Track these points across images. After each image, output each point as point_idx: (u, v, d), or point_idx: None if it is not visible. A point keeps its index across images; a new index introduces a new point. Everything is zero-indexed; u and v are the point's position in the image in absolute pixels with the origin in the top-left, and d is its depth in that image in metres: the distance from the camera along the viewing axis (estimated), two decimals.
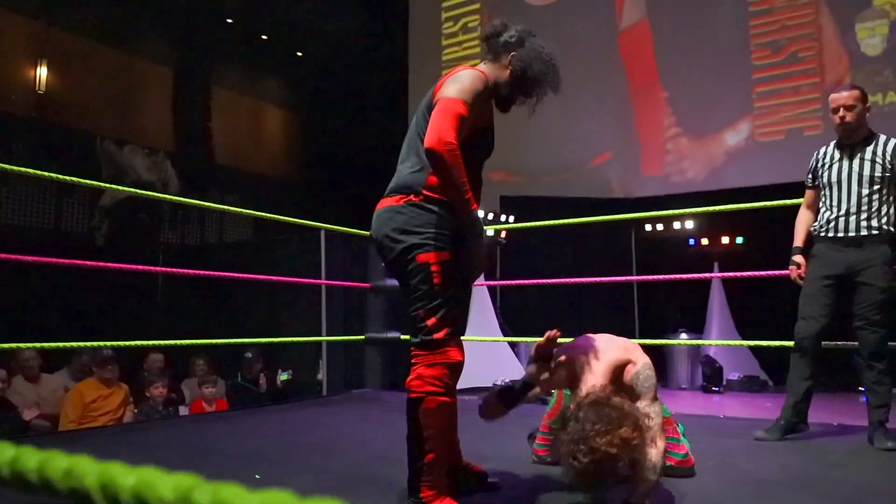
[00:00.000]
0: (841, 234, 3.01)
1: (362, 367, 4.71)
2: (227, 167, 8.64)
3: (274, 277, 4.74)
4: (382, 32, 9.23)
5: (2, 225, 6.47)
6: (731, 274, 4.92)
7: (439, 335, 1.72)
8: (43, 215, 7.03)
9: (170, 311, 6.74)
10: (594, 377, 1.88)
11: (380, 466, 2.39)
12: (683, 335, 6.67)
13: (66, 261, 3.37)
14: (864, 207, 2.97)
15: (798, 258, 3.20)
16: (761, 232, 6.28)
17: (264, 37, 8.94)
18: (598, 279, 4.65)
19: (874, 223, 2.95)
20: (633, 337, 7.21)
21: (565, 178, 8.17)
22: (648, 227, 7.56)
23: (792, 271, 3.19)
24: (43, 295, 5.81)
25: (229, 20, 8.60)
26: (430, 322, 1.72)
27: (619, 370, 1.94)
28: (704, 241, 7.28)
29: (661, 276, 4.60)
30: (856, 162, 3.01)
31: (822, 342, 3.07)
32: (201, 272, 4.15)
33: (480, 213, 6.19)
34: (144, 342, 3.47)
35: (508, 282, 5.11)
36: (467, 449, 2.14)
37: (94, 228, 7.50)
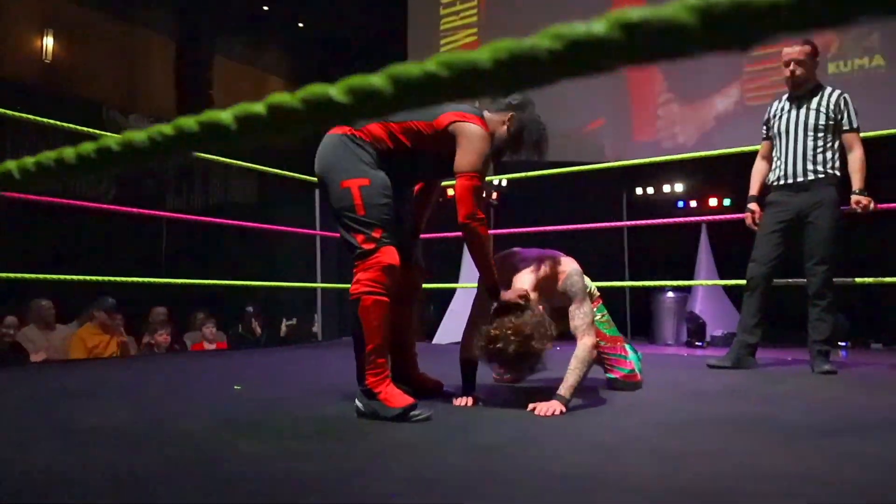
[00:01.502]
0: (790, 181, 3.22)
1: None
2: None
3: (272, 227, 5.00)
4: (382, 2, 9.36)
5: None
6: (712, 218, 5.11)
7: (368, 246, 2.00)
8: (49, 180, 7.27)
9: (173, 271, 7.01)
10: (520, 283, 2.13)
11: (347, 384, 2.62)
12: (670, 294, 6.87)
13: (76, 203, 3.56)
14: (811, 154, 3.18)
15: (752, 206, 3.42)
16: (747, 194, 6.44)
17: (265, 7, 9.10)
18: (590, 225, 4.90)
19: (819, 168, 3.16)
20: (624, 295, 7.43)
21: (559, 144, 8.26)
22: (639, 191, 7.74)
23: (747, 218, 3.41)
24: (53, 256, 6.08)
25: None
26: (360, 238, 2.01)
27: (550, 278, 2.17)
28: (693, 204, 7.45)
29: (650, 221, 4.85)
30: (802, 112, 3.23)
31: (773, 281, 3.29)
32: (202, 218, 4.39)
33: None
34: (146, 279, 3.71)
35: (500, 230, 5.31)
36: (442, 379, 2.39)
37: (102, 194, 7.76)
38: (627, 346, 2.83)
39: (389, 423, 1.86)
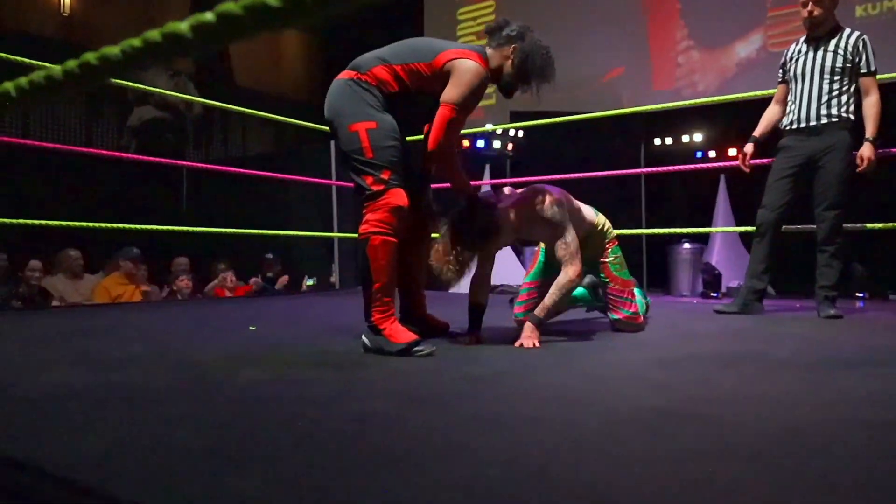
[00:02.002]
0: (803, 125, 3.18)
1: None
2: (247, 89, 8.88)
3: (288, 176, 5.07)
4: None
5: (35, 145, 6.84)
6: (729, 164, 5.06)
7: (377, 187, 2.05)
8: (74, 136, 7.40)
9: (193, 222, 7.15)
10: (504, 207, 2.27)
11: (358, 326, 2.71)
12: (686, 245, 6.85)
13: (99, 151, 3.65)
14: (825, 97, 3.13)
15: (748, 147, 3.40)
16: (770, 145, 6.35)
17: None
18: (606, 173, 4.88)
19: (834, 111, 3.11)
20: (640, 246, 7.42)
21: (577, 95, 8.21)
22: (658, 142, 7.65)
23: (739, 158, 3.41)
24: (78, 208, 6.24)
25: None
26: (369, 180, 2.06)
27: (531, 209, 2.28)
28: (712, 154, 7.36)
29: (668, 168, 4.84)
30: (819, 54, 3.16)
31: (782, 227, 3.29)
32: (220, 167, 4.47)
33: (489, 127, 6.33)
34: (168, 227, 3.82)
35: (517, 179, 5.32)
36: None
37: (123, 148, 7.87)
38: (637, 291, 2.88)
39: (392, 357, 1.94)
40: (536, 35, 2.30)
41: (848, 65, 3.10)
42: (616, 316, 2.58)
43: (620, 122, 7.16)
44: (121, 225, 3.59)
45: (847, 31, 3.15)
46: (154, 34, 0.51)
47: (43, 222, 3.34)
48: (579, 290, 2.79)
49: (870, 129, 3.06)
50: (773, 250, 3.28)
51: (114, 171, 7.01)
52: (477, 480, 0.87)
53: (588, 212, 2.57)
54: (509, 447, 1.03)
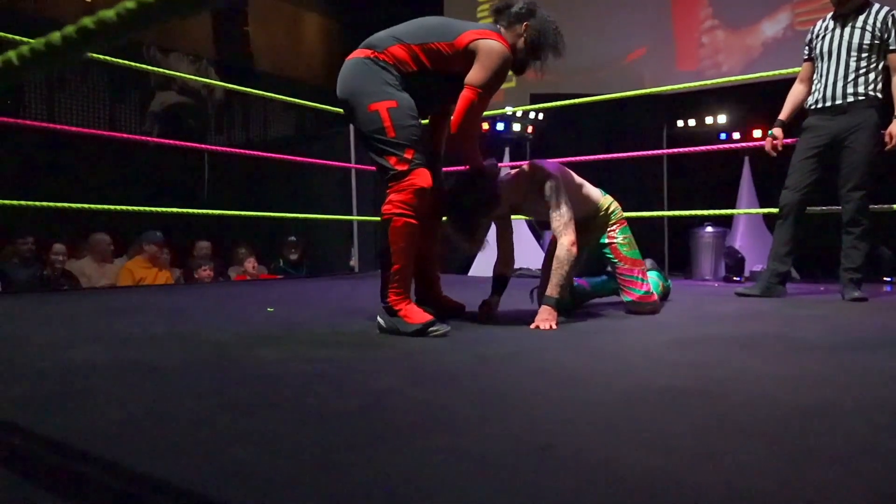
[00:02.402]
0: (829, 104, 3.10)
1: None
2: (267, 74, 8.90)
3: (308, 160, 5.08)
4: None
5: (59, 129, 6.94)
6: (753, 144, 4.98)
7: (401, 167, 2.03)
8: (98, 120, 7.48)
9: (215, 206, 7.22)
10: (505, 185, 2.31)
11: (375, 308, 2.71)
12: (709, 228, 6.76)
13: (123, 135, 3.68)
14: (852, 75, 3.04)
15: (776, 130, 3.33)
16: (796, 125, 6.22)
17: None
18: (627, 154, 4.82)
19: (860, 89, 3.03)
20: (662, 229, 7.34)
21: (598, 76, 8.11)
22: (680, 123, 7.53)
23: (766, 143, 3.33)
24: (102, 192, 6.32)
25: None
26: (393, 160, 2.03)
27: (533, 185, 2.32)
28: (736, 136, 7.22)
29: (691, 149, 4.77)
30: (846, 31, 3.07)
31: (806, 209, 3.22)
32: (241, 150, 4.50)
33: (509, 110, 6.28)
34: (191, 210, 3.85)
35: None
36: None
37: (146, 133, 7.95)
38: (654, 273, 2.85)
39: (406, 338, 1.94)
40: (543, 10, 2.27)
41: (876, 41, 3.01)
42: (629, 297, 2.56)
43: (642, 104, 7.06)
44: (144, 208, 3.63)
45: (876, 6, 3.06)
46: None
47: (67, 205, 3.39)
48: (603, 279, 2.77)
49: None
50: (796, 233, 3.22)
51: (137, 156, 7.08)
52: (485, 454, 0.86)
53: (593, 191, 2.57)
54: (517, 423, 1.02)
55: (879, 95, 3.03)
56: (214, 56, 8.50)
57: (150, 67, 4.53)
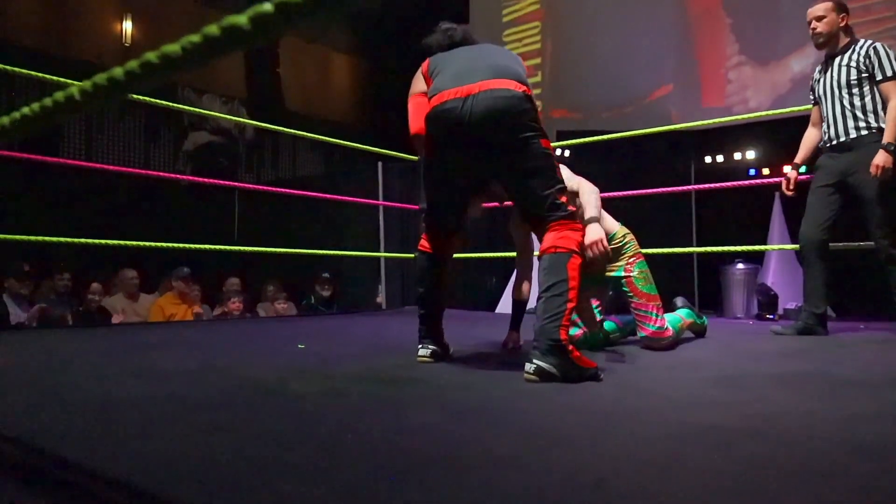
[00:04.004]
0: (835, 142, 3.11)
1: None
2: (297, 113, 9.09)
3: (336, 196, 5.13)
4: None
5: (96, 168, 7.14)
6: (779, 179, 4.93)
7: (573, 208, 1.97)
8: (133, 159, 7.68)
9: (245, 242, 7.32)
10: None
11: (406, 342, 2.70)
12: (740, 265, 6.66)
13: (155, 173, 3.76)
14: (849, 112, 3.05)
15: (791, 173, 3.34)
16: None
17: None
18: (655, 190, 4.80)
19: (861, 123, 3.03)
20: (692, 267, 7.25)
21: (625, 113, 8.14)
22: (708, 159, 7.50)
23: (782, 183, 3.35)
24: (135, 229, 6.46)
25: None
26: (565, 199, 1.96)
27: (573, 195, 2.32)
28: (765, 172, 7.16)
29: (719, 185, 4.75)
30: (835, 70, 3.10)
31: (828, 246, 3.16)
32: (271, 188, 4.56)
33: None
34: (221, 246, 3.90)
35: None
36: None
37: (179, 171, 8.13)
38: (685, 311, 2.82)
39: (442, 372, 1.92)
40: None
41: (864, 75, 3.01)
42: (643, 333, 2.53)
43: (670, 140, 7.06)
44: (174, 244, 3.68)
45: (861, 41, 3.08)
46: (212, 28, 0.52)
47: (102, 242, 3.45)
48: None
49: (888, 135, 2.90)
50: (823, 271, 3.16)
51: (169, 194, 7.24)
52: (532, 491, 0.84)
53: (608, 218, 2.60)
54: (566, 460, 1.00)
55: (882, 125, 3.00)
56: (246, 96, 8.73)
57: (184, 107, 4.65)
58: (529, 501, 0.80)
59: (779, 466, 0.96)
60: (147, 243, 3.58)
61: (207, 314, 5.57)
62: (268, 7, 0.48)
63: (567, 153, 7.48)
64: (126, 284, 5.38)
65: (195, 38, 0.54)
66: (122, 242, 3.52)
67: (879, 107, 3.01)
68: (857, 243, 3.35)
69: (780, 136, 6.95)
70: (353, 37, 10.12)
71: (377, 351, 2.49)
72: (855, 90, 3.03)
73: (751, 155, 7.28)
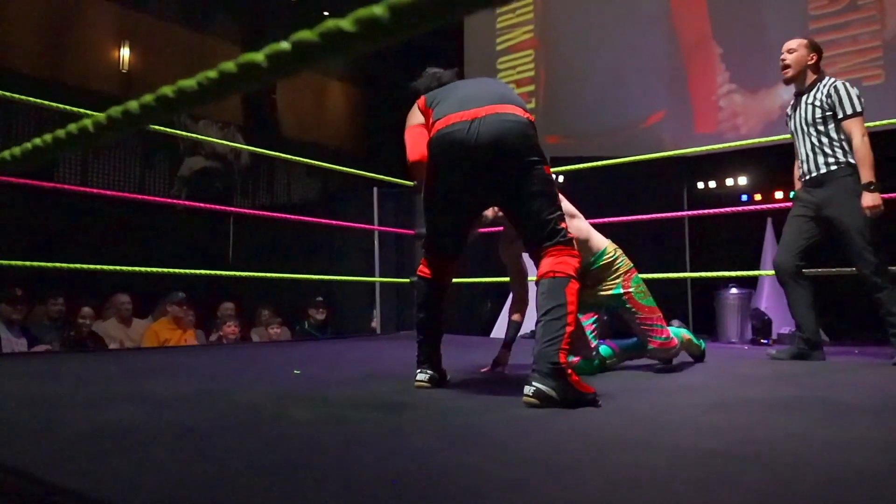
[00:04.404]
0: (808, 177, 3.18)
1: (412, 312, 5.07)
2: (293, 139, 9.14)
3: (331, 221, 5.14)
4: None
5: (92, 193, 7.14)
6: (775, 206, 4.97)
7: (571, 234, 2.00)
8: (128, 184, 7.70)
9: (240, 266, 7.30)
10: None
11: (403, 368, 2.69)
12: (734, 290, 6.69)
13: (152, 198, 3.76)
14: (818, 148, 3.12)
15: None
16: None
17: (326, 13, 9.35)
18: (649, 216, 4.84)
19: (830, 160, 3.09)
20: (686, 292, 7.28)
21: (618, 140, 8.22)
22: (701, 185, 7.57)
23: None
24: (127, 254, 6.45)
25: None
26: (565, 225, 1.99)
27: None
28: (758, 198, 7.24)
29: (713, 210, 4.78)
30: (802, 108, 3.19)
31: (802, 272, 3.19)
32: (266, 213, 4.57)
33: None
34: (215, 272, 3.90)
35: None
36: None
37: (174, 196, 8.14)
38: (685, 331, 2.84)
39: (441, 398, 1.91)
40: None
41: (827, 113, 3.09)
42: (652, 346, 2.56)
43: (662, 166, 7.13)
44: (168, 269, 3.68)
45: (826, 80, 3.15)
46: (229, 65, 0.53)
47: (94, 267, 3.45)
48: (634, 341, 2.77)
49: (863, 175, 2.95)
50: (804, 296, 3.18)
51: (165, 220, 7.24)
52: None
53: (597, 238, 2.63)
54: (568, 486, 1.00)
55: (851, 160, 3.04)
56: (242, 122, 8.78)
57: (180, 132, 4.66)
58: None
59: (780, 494, 0.96)
60: (141, 268, 3.57)
61: (201, 339, 5.54)
62: (285, 46, 0.49)
63: (561, 178, 7.54)
64: (119, 309, 5.35)
65: (212, 73, 0.55)
66: (116, 268, 3.52)
67: (846, 143, 3.07)
68: (850, 269, 3.37)
69: (771, 162, 7.04)
70: (349, 64, 10.22)
71: (374, 376, 2.49)
72: (821, 127, 3.09)
73: (742, 181, 7.36)
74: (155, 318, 5.75)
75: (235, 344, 5.01)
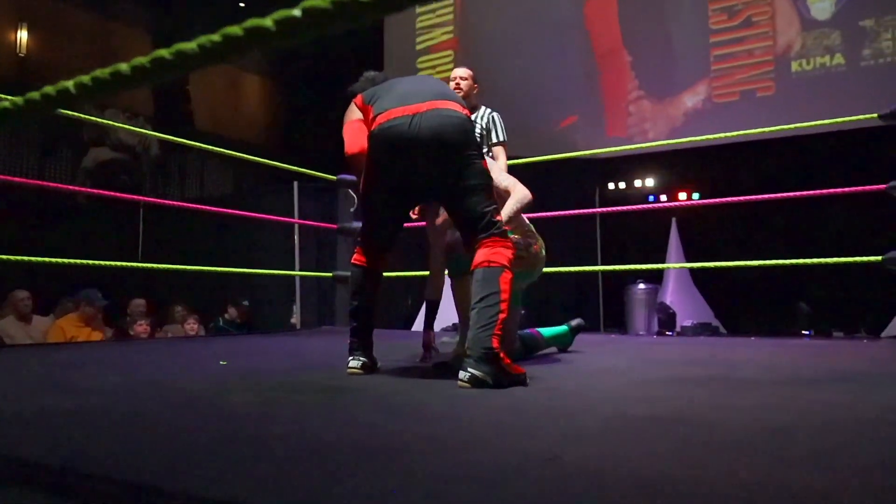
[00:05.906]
0: None
1: (333, 307, 5.04)
2: (206, 133, 8.86)
3: (252, 214, 5.03)
4: None
5: None
6: (680, 203, 5.27)
7: (508, 227, 2.10)
8: (25, 174, 7.24)
9: (151, 261, 7.02)
10: None
11: (330, 357, 2.71)
12: (641, 285, 7.05)
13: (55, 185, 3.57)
14: None
15: None
16: (716, 188, 6.66)
17: (242, 4, 9.13)
18: (561, 213, 5.01)
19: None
20: (597, 288, 7.59)
21: (532, 142, 8.45)
22: (611, 186, 7.92)
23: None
24: (29, 247, 6.07)
25: None
26: (499, 218, 2.06)
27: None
28: (664, 198, 7.66)
29: (623, 208, 5.02)
30: None
31: None
32: (180, 203, 4.43)
33: None
34: (125, 263, 3.75)
35: None
36: None
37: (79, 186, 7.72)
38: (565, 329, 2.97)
39: (380, 379, 1.95)
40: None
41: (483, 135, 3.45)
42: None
43: (575, 167, 7.42)
44: (73, 260, 3.49)
45: (483, 110, 3.50)
46: (235, 29, 0.57)
47: None
48: (556, 330, 2.88)
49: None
50: None
51: (67, 212, 6.86)
52: (493, 466, 0.91)
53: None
54: (517, 443, 1.08)
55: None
56: (153, 114, 8.43)
57: (84, 116, 4.40)
58: (493, 475, 0.87)
59: (706, 443, 1.08)
60: (48, 259, 3.38)
61: (110, 338, 5.30)
62: (296, 12, 0.53)
63: None
64: (18, 306, 5.04)
65: (215, 37, 0.59)
66: (16, 258, 3.32)
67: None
68: (745, 262, 3.65)
69: (677, 165, 7.47)
70: (263, 58, 10.01)
71: (304, 366, 2.49)
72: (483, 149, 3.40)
73: (650, 182, 7.76)
74: (57, 315, 5.45)
75: (149, 340, 4.84)
